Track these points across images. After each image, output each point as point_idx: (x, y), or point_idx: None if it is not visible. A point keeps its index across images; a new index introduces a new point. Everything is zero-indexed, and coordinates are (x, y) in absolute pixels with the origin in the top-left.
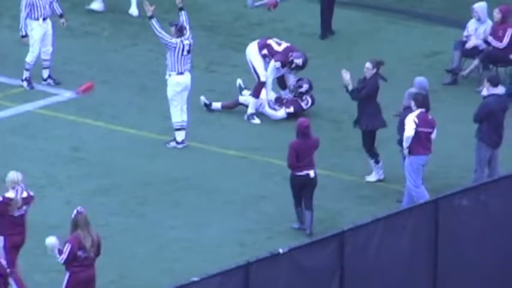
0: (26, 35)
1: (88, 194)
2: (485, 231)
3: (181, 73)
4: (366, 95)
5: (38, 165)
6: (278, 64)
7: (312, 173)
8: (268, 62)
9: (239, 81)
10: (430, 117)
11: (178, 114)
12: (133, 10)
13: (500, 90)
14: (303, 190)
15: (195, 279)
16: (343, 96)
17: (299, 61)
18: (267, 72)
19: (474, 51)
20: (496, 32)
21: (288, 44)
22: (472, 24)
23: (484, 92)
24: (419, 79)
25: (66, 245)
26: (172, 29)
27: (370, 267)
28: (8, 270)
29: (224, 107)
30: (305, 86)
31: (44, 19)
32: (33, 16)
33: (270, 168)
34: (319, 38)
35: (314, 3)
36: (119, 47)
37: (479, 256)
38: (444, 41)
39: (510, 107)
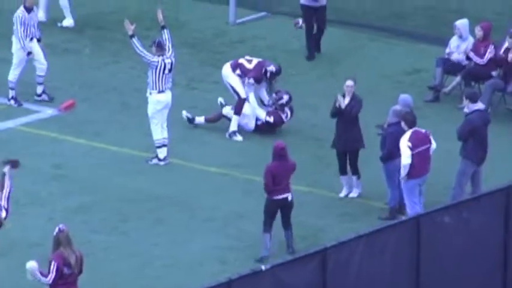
0: (30, 52)
1: (70, 211)
2: (468, 248)
3: (162, 91)
4: (357, 112)
5: (19, 183)
6: (252, 81)
7: (289, 197)
8: (244, 81)
9: (220, 99)
10: (422, 131)
11: (159, 132)
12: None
13: (480, 105)
14: (281, 212)
15: None
16: (325, 113)
17: (271, 68)
18: (245, 89)
19: (456, 68)
20: (478, 48)
21: (259, 60)
22: (454, 41)
23: (466, 110)
24: (404, 96)
25: (52, 263)
26: (153, 47)
27: (352, 284)
28: None
29: (208, 121)
30: (285, 97)
31: (31, 39)
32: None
33: (252, 186)
34: (305, 58)
35: None
36: (101, 65)
37: (461, 273)
38: (426, 58)
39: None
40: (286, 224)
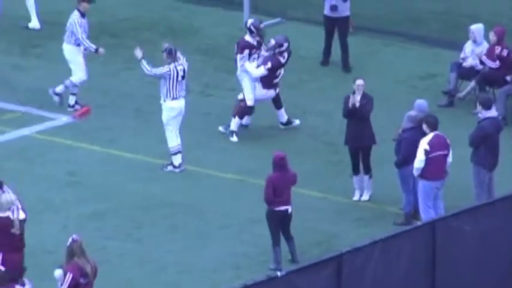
0: (97, 49)
1: (84, 218)
2: (483, 253)
3: (176, 98)
4: (370, 110)
5: (34, 190)
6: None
7: (290, 209)
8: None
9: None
10: (443, 136)
11: (174, 139)
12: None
13: (494, 112)
14: (280, 225)
15: None
16: (339, 119)
17: (254, 22)
18: (253, 94)
19: (470, 73)
20: (491, 53)
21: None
22: (468, 46)
23: (480, 115)
24: (419, 102)
25: (68, 274)
26: (164, 54)
27: None
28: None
29: (238, 115)
30: (285, 45)
31: (78, 45)
32: (75, 42)
33: None
34: (320, 64)
35: (311, 26)
36: (115, 71)
37: (476, 278)
38: (441, 63)
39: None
40: (287, 236)
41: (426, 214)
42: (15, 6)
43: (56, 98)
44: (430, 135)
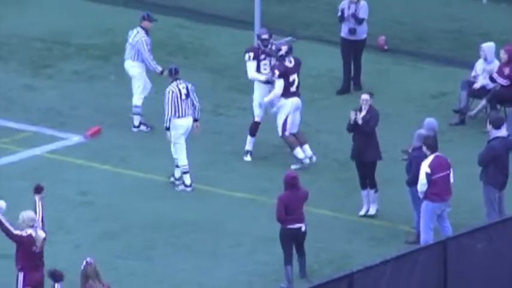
0: (163, 71)
1: (96, 237)
2: (494, 271)
3: (182, 116)
4: (374, 126)
5: (46, 210)
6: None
7: (303, 227)
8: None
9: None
10: (444, 157)
11: (185, 157)
12: None
13: (503, 132)
14: (294, 243)
15: None
16: (350, 137)
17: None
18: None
19: (481, 91)
20: (502, 71)
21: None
22: (479, 64)
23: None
24: (429, 120)
25: None
26: (166, 72)
27: None
28: None
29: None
30: (284, 48)
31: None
32: (140, 59)
33: None
34: (339, 92)
35: (323, 46)
36: (125, 91)
37: None
38: (451, 82)
39: None
40: (301, 253)
41: (426, 235)
42: (26, 27)
43: (142, 128)
44: (431, 158)
